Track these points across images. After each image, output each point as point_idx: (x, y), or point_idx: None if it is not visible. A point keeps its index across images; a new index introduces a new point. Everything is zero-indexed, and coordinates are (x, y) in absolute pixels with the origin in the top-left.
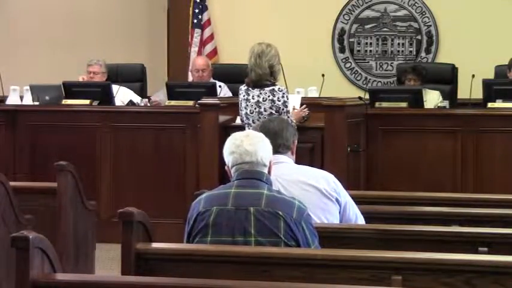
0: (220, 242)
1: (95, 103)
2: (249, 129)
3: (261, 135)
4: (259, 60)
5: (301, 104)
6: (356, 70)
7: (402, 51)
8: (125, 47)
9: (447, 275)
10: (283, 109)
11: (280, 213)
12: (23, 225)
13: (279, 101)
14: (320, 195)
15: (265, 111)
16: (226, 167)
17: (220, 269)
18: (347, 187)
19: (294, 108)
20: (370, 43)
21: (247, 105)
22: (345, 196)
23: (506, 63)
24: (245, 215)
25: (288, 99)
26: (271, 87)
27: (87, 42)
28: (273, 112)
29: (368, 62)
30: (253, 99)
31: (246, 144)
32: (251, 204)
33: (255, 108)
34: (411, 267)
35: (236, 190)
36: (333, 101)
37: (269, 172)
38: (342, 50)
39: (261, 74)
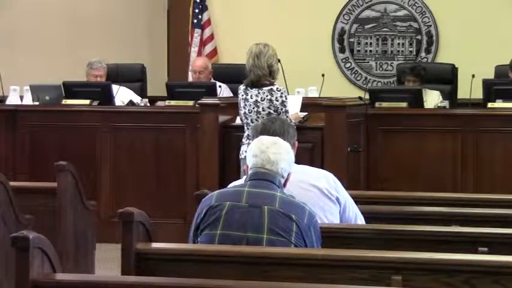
0: (230, 236)
1: (95, 103)
2: (247, 129)
3: (288, 146)
4: (258, 60)
5: (302, 105)
6: (356, 70)
7: (402, 51)
8: (125, 47)
9: (447, 275)
10: (281, 109)
11: (293, 216)
12: (23, 225)
13: (277, 100)
14: (320, 195)
15: (263, 110)
16: (245, 167)
17: (220, 269)
18: (347, 187)
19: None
20: (370, 43)
21: (245, 104)
22: (344, 195)
23: (506, 63)
24: (259, 212)
25: (286, 98)
26: (269, 87)
27: (87, 42)
28: (272, 112)
29: (368, 62)
30: (251, 98)
31: (271, 153)
32: (265, 204)
33: (253, 108)
34: (411, 267)
35: (250, 189)
36: (333, 101)
37: (284, 184)
38: (342, 50)
39: (261, 74)
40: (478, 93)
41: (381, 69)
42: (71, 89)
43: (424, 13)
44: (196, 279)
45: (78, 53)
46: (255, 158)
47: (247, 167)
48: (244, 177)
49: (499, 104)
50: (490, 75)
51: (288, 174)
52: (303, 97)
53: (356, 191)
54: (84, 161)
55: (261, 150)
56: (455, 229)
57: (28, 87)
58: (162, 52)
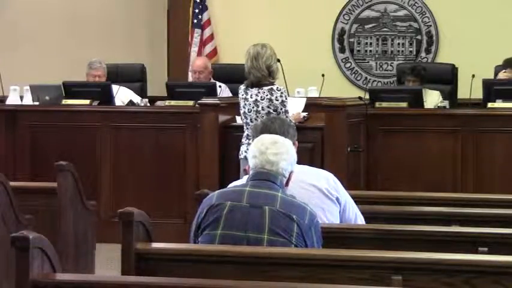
0: (230, 236)
1: (95, 103)
2: (247, 128)
3: (289, 144)
4: (256, 62)
5: (305, 106)
6: (356, 70)
7: (402, 51)
8: (125, 47)
9: (447, 275)
10: (281, 108)
11: (294, 217)
12: (23, 225)
13: (277, 100)
14: (320, 195)
15: (262, 110)
16: (246, 167)
17: (220, 269)
18: (347, 187)
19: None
20: (370, 43)
21: (245, 104)
22: (344, 195)
23: None
24: (260, 213)
25: (286, 98)
26: (269, 87)
27: (88, 42)
28: (271, 111)
29: (368, 62)
30: (251, 98)
31: (270, 153)
32: (266, 204)
33: (253, 107)
34: (411, 267)
35: (251, 189)
36: (333, 101)
37: (287, 183)
38: (342, 50)
39: (260, 76)
40: (478, 93)
41: (380, 69)
42: (71, 89)
43: (424, 13)
44: (196, 279)
45: (78, 53)
46: (254, 159)
47: (249, 167)
48: (245, 177)
49: (499, 104)
50: (490, 75)
51: (291, 173)
52: (302, 97)
53: (356, 191)
54: (84, 161)
55: (260, 152)
56: (455, 229)
57: (28, 87)
58: (162, 52)
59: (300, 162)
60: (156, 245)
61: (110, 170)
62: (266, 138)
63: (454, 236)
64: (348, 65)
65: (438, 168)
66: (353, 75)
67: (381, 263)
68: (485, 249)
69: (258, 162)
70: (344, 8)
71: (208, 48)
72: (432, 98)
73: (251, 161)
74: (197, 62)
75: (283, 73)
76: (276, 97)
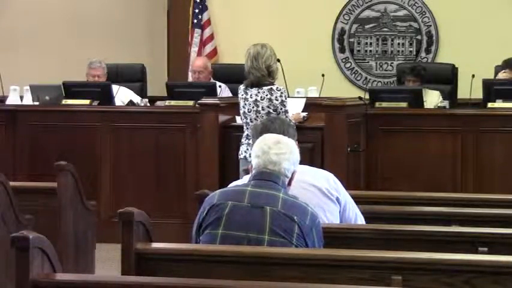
0: (231, 236)
1: (95, 103)
2: (247, 128)
3: (292, 144)
4: (256, 62)
5: (305, 106)
6: (356, 70)
7: (402, 51)
8: (125, 47)
9: (447, 275)
10: (281, 108)
11: (295, 218)
12: (23, 225)
13: (277, 100)
14: (320, 195)
15: (262, 110)
16: (249, 166)
17: (220, 269)
18: (347, 187)
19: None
20: (370, 43)
21: (245, 104)
22: (344, 195)
23: None
24: (261, 213)
25: (286, 98)
26: (269, 87)
27: (88, 42)
28: (271, 111)
29: (368, 62)
30: (251, 98)
31: (272, 154)
32: (267, 204)
33: (253, 107)
34: (411, 267)
35: (252, 189)
36: (333, 101)
37: (289, 183)
38: (342, 50)
39: (259, 76)
40: (478, 93)
41: (380, 69)
42: (71, 89)
43: (424, 13)
44: (196, 279)
45: (78, 53)
46: (257, 159)
47: (252, 166)
48: (246, 176)
49: (499, 104)
50: (490, 75)
51: (293, 172)
52: (302, 97)
53: (356, 191)
54: (84, 161)
55: (263, 151)
56: (455, 229)
57: (28, 87)
58: (162, 52)
59: (300, 162)
60: (156, 245)
61: (110, 170)
62: (269, 138)
63: (454, 236)
64: (348, 65)
65: (438, 168)
66: (353, 75)
67: (381, 263)
68: (485, 249)
69: (260, 162)
70: (344, 8)
71: (208, 48)
72: (432, 98)
73: (254, 160)
74: (197, 62)
75: (283, 73)
76: (276, 97)
